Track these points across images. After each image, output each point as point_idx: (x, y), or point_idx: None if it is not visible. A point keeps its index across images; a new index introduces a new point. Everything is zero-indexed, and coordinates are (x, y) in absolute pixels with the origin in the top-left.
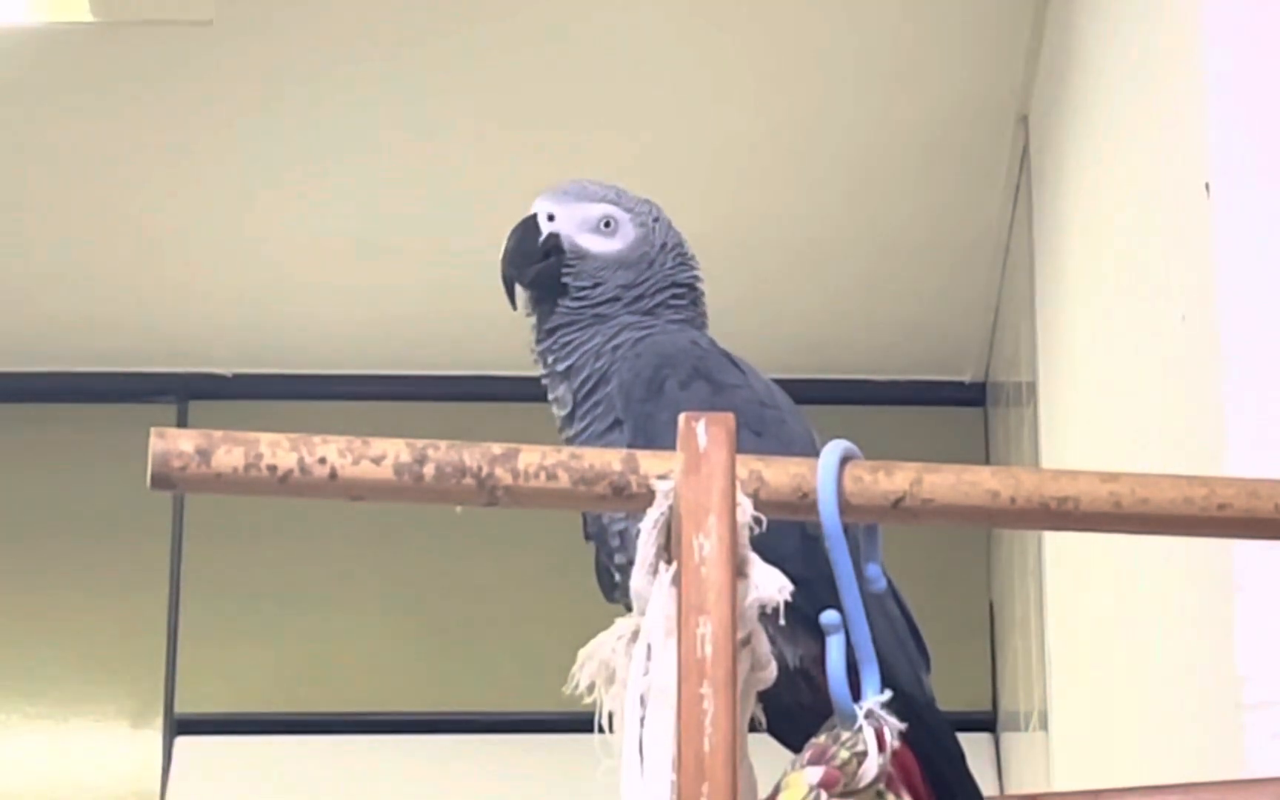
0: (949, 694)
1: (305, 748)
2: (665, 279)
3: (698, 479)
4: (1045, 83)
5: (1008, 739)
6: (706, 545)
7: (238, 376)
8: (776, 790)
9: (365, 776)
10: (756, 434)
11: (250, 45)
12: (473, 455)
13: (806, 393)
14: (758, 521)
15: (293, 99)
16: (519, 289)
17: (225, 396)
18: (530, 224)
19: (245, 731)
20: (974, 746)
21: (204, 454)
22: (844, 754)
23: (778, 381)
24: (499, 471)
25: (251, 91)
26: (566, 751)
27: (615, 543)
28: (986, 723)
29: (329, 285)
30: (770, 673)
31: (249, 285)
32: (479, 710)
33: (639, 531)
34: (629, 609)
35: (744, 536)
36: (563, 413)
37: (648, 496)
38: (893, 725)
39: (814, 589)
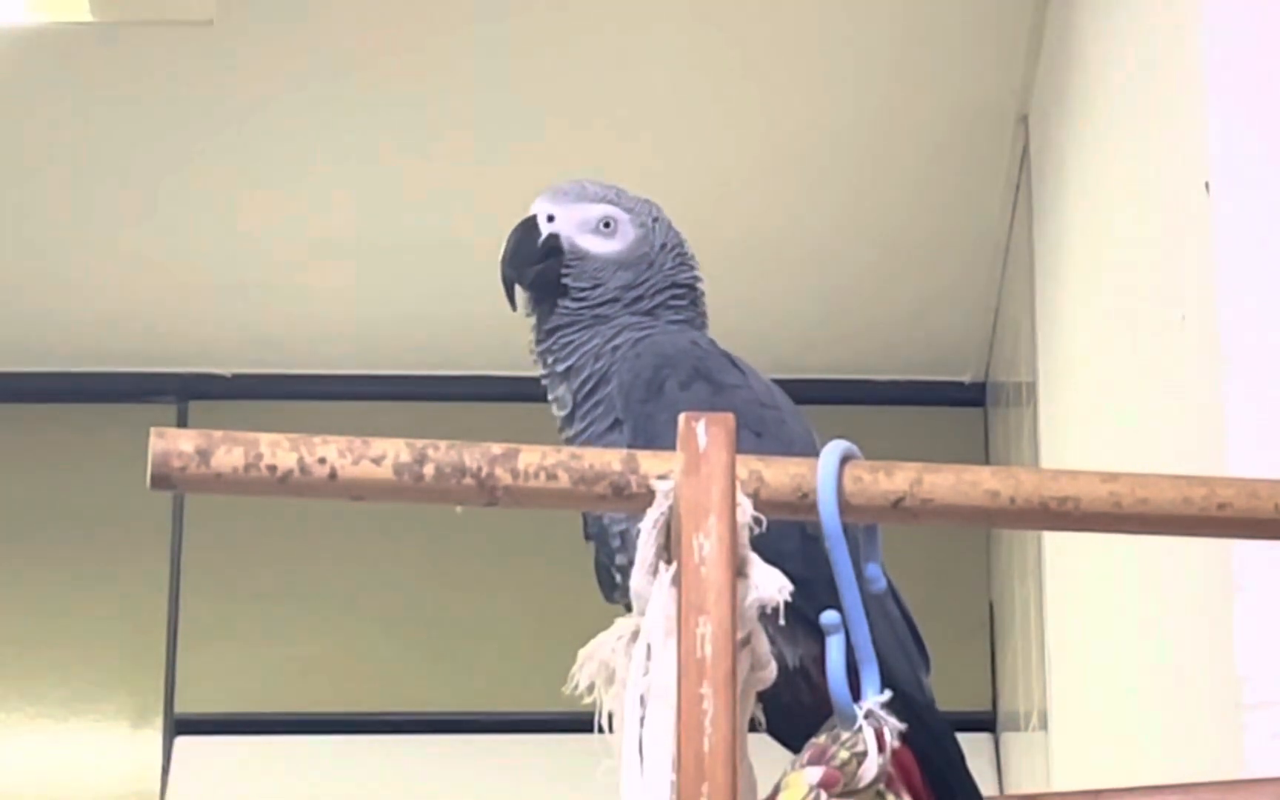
0: (949, 694)
1: (305, 748)
2: (665, 279)
3: (698, 479)
4: (1045, 83)
5: (1007, 739)
6: (706, 545)
7: (238, 376)
8: (776, 790)
9: (365, 776)
10: (756, 434)
11: (250, 45)
12: (473, 455)
13: (806, 393)
14: (758, 521)
15: (292, 99)
16: (519, 290)
17: (225, 396)
18: (530, 225)
19: (245, 731)
20: (974, 746)
21: (204, 454)
22: (844, 754)
23: (778, 381)
24: (499, 471)
25: (251, 91)
26: (566, 751)
27: (616, 543)
28: (986, 723)
29: (329, 285)
30: (770, 673)
31: (249, 285)
32: (479, 710)
33: (639, 532)
34: (629, 609)
35: (744, 536)
36: (563, 413)
37: (648, 496)
38: (892, 725)
39: (814, 589)
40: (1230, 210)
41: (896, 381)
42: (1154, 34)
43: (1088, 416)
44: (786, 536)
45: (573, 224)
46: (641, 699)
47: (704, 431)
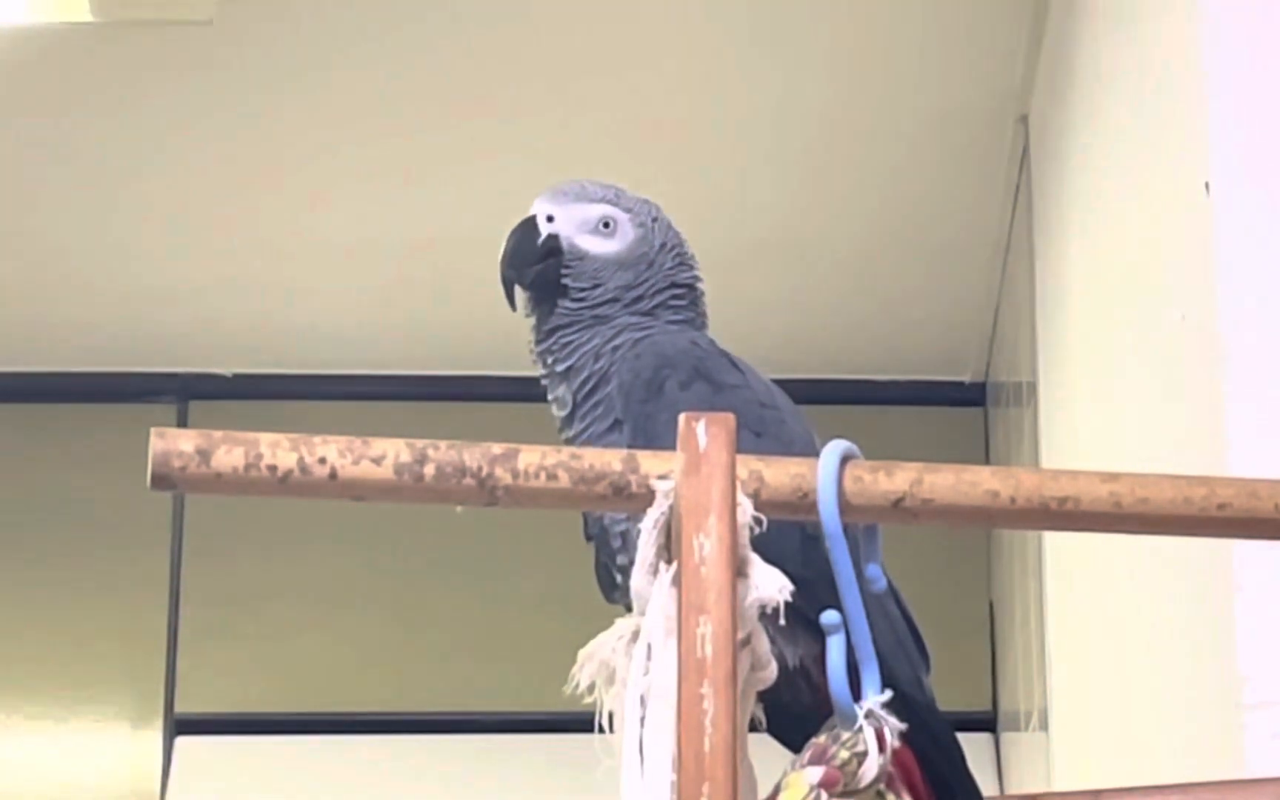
0: (949, 694)
1: (305, 748)
2: (665, 279)
3: (698, 479)
4: (1045, 83)
5: (1008, 739)
6: (706, 545)
7: (238, 376)
8: (776, 790)
9: (365, 777)
10: (756, 434)
11: (250, 45)
12: (473, 455)
13: (806, 393)
14: (758, 521)
15: (293, 99)
16: (518, 290)
17: (225, 396)
18: (529, 225)
19: (245, 731)
20: (974, 746)
21: (204, 454)
22: (844, 754)
23: (778, 381)
24: (499, 471)
25: (251, 91)
26: (566, 751)
27: (617, 544)
28: (986, 723)
29: (329, 285)
30: (770, 673)
31: (249, 285)
32: (479, 710)
33: (640, 532)
34: (629, 609)
35: (744, 536)
36: (562, 413)
37: (648, 496)
38: (893, 725)
39: (814, 589)
40: (1230, 210)
41: (896, 381)
42: (1154, 34)
43: (1088, 416)
44: (786, 536)
45: (572, 224)
46: (642, 699)
47: (704, 431)
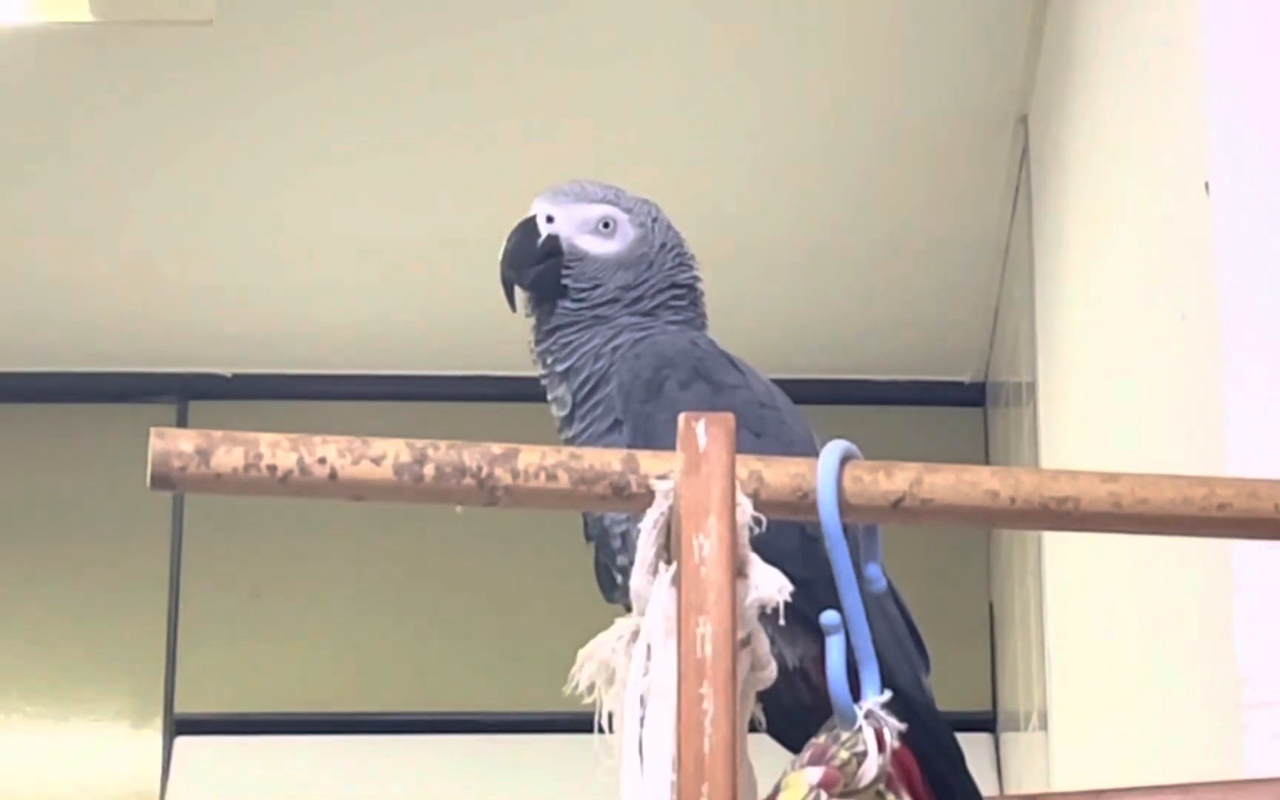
0: (949, 694)
1: (305, 748)
2: (664, 279)
3: (698, 479)
4: (1045, 83)
5: (1007, 739)
6: (706, 545)
7: (238, 376)
8: (776, 790)
9: (365, 776)
10: (756, 434)
11: (250, 45)
12: (473, 455)
13: (806, 393)
14: (758, 521)
15: (293, 99)
16: (518, 290)
17: (225, 396)
18: (529, 226)
19: (245, 731)
20: (974, 746)
21: (204, 454)
22: (844, 754)
23: (778, 381)
24: (499, 471)
25: (251, 91)
26: (566, 751)
27: (617, 544)
28: (986, 723)
29: (329, 285)
30: (770, 673)
31: (249, 285)
32: (479, 710)
33: (640, 532)
34: (629, 609)
35: (744, 536)
36: (562, 413)
37: (648, 497)
38: (892, 726)
39: (814, 589)
40: (1230, 210)
41: (896, 381)
42: (1154, 34)
43: (1088, 416)
44: (786, 536)
45: (572, 224)
46: (641, 699)
47: (704, 431)
